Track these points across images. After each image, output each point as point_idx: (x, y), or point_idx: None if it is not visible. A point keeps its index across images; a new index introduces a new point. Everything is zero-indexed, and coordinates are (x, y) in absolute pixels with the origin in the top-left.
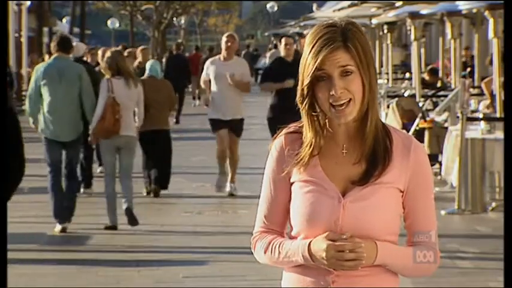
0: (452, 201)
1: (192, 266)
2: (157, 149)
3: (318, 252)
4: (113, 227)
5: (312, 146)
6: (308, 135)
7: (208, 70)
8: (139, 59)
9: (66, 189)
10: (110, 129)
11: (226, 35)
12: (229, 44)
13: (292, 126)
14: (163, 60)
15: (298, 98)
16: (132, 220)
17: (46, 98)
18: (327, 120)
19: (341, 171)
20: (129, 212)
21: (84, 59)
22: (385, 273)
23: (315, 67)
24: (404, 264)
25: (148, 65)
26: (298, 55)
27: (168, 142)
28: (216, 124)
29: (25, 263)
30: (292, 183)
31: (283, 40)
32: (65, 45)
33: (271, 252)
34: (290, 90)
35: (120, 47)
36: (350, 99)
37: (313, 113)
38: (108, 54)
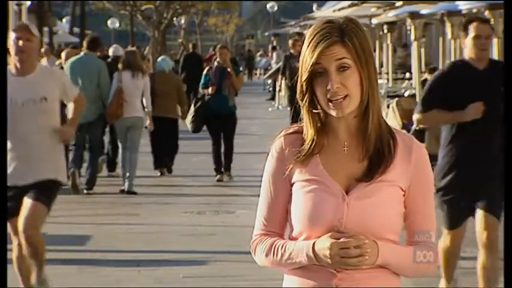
0: None
1: (192, 266)
2: (162, 134)
3: (322, 250)
4: (128, 191)
5: (314, 144)
6: (309, 132)
7: None
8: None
9: (89, 159)
10: (114, 112)
11: (17, 26)
12: (20, 43)
13: (291, 127)
14: (181, 58)
15: (298, 95)
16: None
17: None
18: (328, 118)
19: (343, 169)
20: (128, 192)
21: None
22: (387, 275)
23: (312, 61)
24: (404, 263)
25: (159, 60)
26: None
27: (171, 129)
28: (10, 196)
29: None
30: (293, 184)
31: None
32: (92, 44)
33: (274, 254)
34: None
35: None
36: (346, 94)
37: (314, 110)
38: (123, 53)
